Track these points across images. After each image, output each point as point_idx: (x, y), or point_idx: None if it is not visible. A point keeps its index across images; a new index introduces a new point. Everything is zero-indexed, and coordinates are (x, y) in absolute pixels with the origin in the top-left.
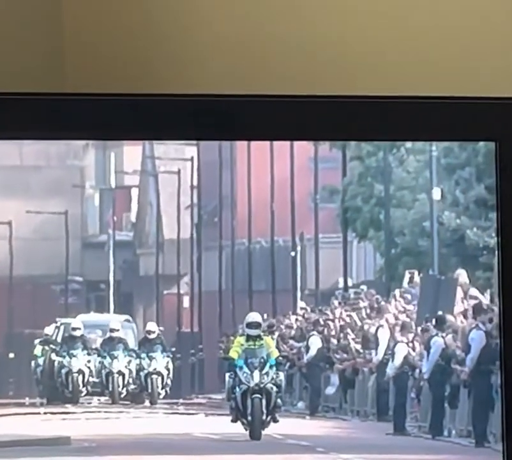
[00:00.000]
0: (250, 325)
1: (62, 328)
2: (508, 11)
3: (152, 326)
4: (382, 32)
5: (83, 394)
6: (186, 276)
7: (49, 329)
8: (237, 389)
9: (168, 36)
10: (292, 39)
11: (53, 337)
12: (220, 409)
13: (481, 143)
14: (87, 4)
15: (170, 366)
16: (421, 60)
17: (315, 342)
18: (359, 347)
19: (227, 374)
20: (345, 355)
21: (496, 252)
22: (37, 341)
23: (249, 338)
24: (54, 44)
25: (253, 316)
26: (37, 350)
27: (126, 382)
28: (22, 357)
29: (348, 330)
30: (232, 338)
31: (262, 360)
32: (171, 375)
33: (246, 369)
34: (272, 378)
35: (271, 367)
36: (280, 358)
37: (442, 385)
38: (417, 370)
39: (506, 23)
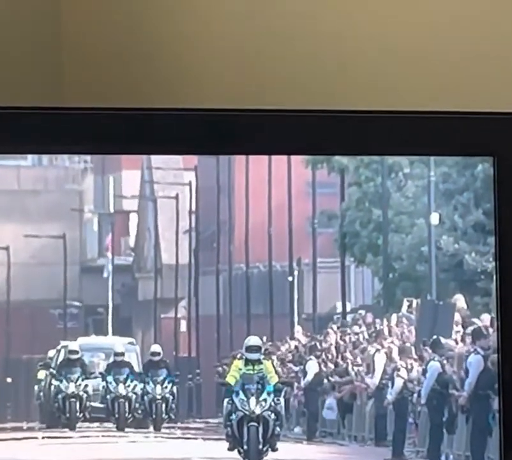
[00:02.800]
0: (250, 349)
1: (62, 351)
2: (508, 27)
3: (157, 347)
4: (382, 48)
5: (81, 420)
6: (184, 301)
7: (51, 353)
8: (234, 416)
9: (168, 48)
10: (293, 53)
11: (53, 361)
12: (218, 433)
13: (479, 168)
14: (86, 17)
15: (175, 390)
16: (421, 75)
17: (312, 367)
18: (356, 371)
19: (225, 400)
20: (342, 380)
21: (495, 275)
22: (39, 365)
23: (247, 362)
24: (54, 55)
25: (253, 340)
26: (41, 374)
27: (132, 407)
28: (20, 382)
29: (346, 355)
30: (225, 365)
31: (260, 386)
32: (175, 400)
33: (242, 395)
34: (271, 405)
35: (268, 393)
36: (280, 384)
37: (440, 410)
38: (415, 395)
39: (506, 38)
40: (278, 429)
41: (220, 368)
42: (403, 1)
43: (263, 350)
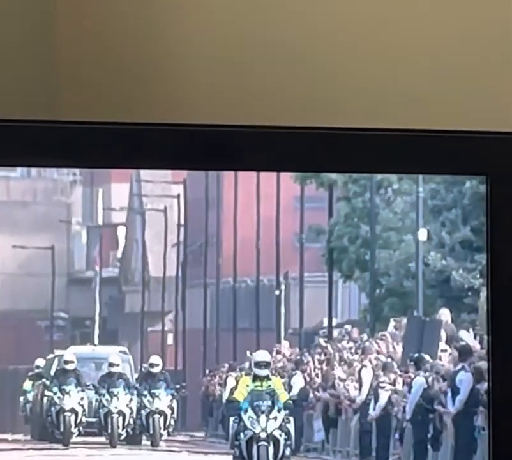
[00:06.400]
0: (259, 364)
1: (55, 361)
2: (503, 49)
3: (155, 359)
4: (376, 65)
5: (75, 435)
6: (171, 314)
7: (40, 363)
8: (242, 435)
9: (160, 64)
10: (284, 70)
11: (45, 371)
12: (202, 447)
13: (467, 185)
14: (80, 32)
15: (174, 404)
16: (415, 92)
17: (298, 382)
18: (342, 387)
19: (231, 418)
20: (327, 395)
21: (485, 290)
22: (28, 376)
23: (256, 378)
24: (46, 72)
25: (261, 355)
26: (27, 385)
27: (126, 423)
28: (5, 392)
29: (332, 370)
30: (213, 377)
31: (270, 403)
32: (174, 414)
33: (251, 413)
34: (281, 424)
35: (279, 411)
36: (290, 402)
37: (425, 426)
38: (400, 411)
39: (501, 56)
40: (288, 449)
41: (220, 384)
42: (397, 20)
43: (245, 365)
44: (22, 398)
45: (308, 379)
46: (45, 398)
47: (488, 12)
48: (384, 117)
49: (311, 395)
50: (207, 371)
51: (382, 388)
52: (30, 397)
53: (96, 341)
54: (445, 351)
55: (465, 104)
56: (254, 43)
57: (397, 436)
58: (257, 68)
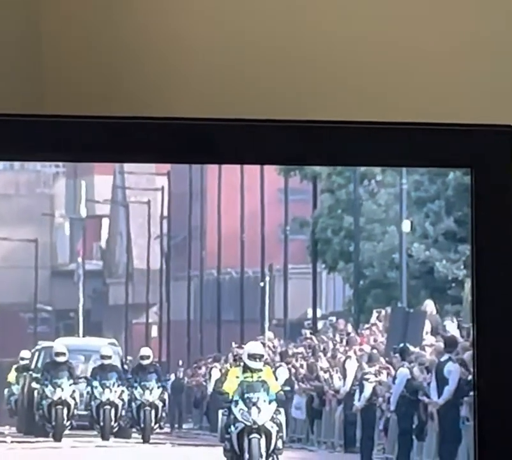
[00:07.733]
0: (252, 357)
1: (43, 352)
2: (490, 41)
3: (146, 350)
4: (362, 59)
5: (67, 428)
6: (155, 306)
7: (26, 354)
8: (232, 428)
9: (145, 60)
10: (269, 63)
11: (33, 363)
12: (187, 439)
13: (451, 176)
14: (66, 27)
15: (165, 397)
16: (400, 85)
17: (283, 373)
18: (326, 378)
19: (220, 411)
20: (312, 386)
21: (469, 280)
22: (15, 368)
23: (246, 369)
24: (34, 67)
25: (256, 347)
26: (12, 377)
27: (119, 415)
28: None
29: (316, 361)
30: (206, 367)
31: (261, 395)
32: (166, 407)
33: (242, 405)
34: (273, 416)
35: (270, 402)
36: (281, 392)
37: (409, 417)
38: (384, 402)
39: (485, 51)
40: (280, 442)
41: (201, 373)
42: (387, 18)
43: (230, 357)
44: (6, 391)
45: (292, 370)
46: (36, 392)
47: (485, 12)
48: (368, 110)
49: (296, 386)
50: (192, 363)
51: (367, 379)
52: (15, 389)
53: (81, 334)
54: (430, 342)
55: (453, 97)
56: (239, 36)
57: (381, 426)
58: (243, 62)
